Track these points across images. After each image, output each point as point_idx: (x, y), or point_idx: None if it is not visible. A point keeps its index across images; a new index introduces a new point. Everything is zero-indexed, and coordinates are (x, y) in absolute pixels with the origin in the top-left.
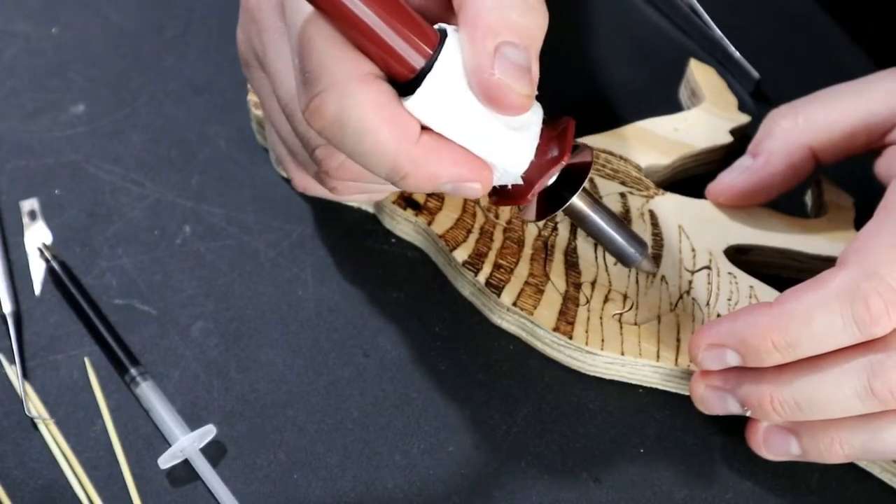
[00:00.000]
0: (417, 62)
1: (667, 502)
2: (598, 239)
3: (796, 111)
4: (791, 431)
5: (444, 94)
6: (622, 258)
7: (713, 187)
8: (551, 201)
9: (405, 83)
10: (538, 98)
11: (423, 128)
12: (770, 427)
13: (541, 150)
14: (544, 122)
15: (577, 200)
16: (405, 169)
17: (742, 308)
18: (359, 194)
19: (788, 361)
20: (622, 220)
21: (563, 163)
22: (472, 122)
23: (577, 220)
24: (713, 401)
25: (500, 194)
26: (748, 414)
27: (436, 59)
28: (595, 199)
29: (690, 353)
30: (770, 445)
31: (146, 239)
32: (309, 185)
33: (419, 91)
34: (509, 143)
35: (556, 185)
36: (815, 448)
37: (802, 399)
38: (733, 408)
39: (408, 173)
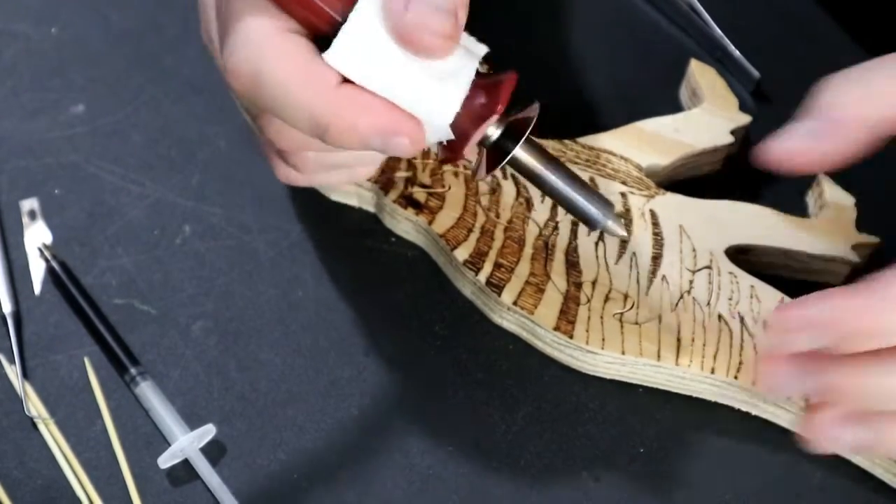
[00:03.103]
0: (335, 13)
1: (667, 502)
2: (558, 200)
3: (865, 80)
4: (862, 421)
5: (361, 43)
6: (586, 221)
7: (772, 152)
8: (498, 157)
9: (323, 38)
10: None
11: (346, 82)
12: (837, 415)
13: (473, 102)
14: (484, 76)
15: (522, 154)
16: (325, 120)
17: (833, 290)
18: (328, 172)
19: (880, 348)
20: (584, 181)
21: (496, 115)
22: (390, 71)
23: (531, 179)
24: (786, 382)
25: (444, 151)
26: (815, 400)
27: (352, 9)
28: (550, 156)
29: (772, 328)
30: (834, 435)
31: (146, 239)
32: (289, 174)
33: (336, 42)
34: (432, 93)
35: (501, 141)
36: (884, 439)
37: (887, 388)
38: (806, 389)
39: (328, 125)
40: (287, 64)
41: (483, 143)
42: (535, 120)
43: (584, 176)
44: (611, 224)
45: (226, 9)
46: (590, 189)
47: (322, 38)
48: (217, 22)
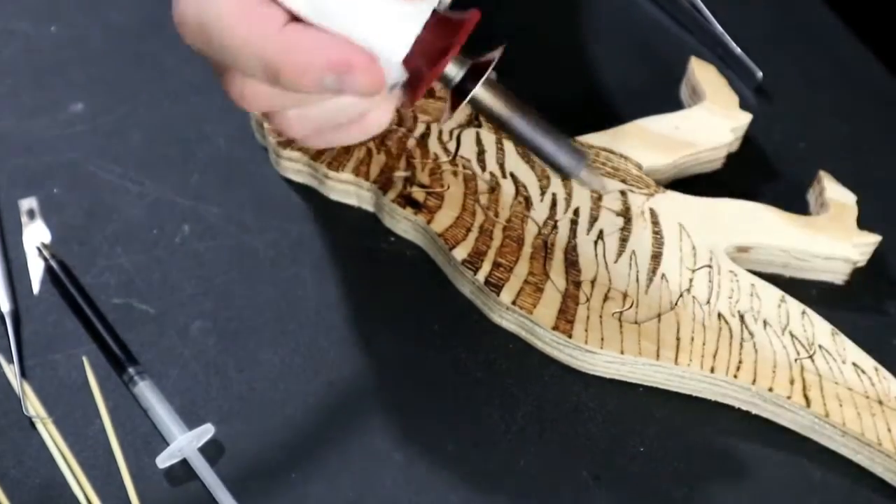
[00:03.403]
0: None
1: (667, 502)
2: (526, 145)
3: None
4: None
5: None
6: (557, 169)
7: None
8: (461, 99)
9: None
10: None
11: (294, 20)
12: None
13: (428, 39)
14: (444, 14)
15: (482, 94)
16: (275, 60)
17: None
18: (321, 135)
19: None
20: (555, 128)
21: (451, 54)
22: (339, 4)
23: (498, 123)
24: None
25: (405, 95)
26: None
27: None
28: (517, 100)
29: None
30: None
31: (145, 238)
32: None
33: None
34: (384, 27)
35: (463, 83)
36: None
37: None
38: None
39: (280, 65)
40: (232, 8)
41: (447, 85)
42: (496, 61)
43: None
44: (584, 174)
45: None
46: (562, 136)
47: None
48: None
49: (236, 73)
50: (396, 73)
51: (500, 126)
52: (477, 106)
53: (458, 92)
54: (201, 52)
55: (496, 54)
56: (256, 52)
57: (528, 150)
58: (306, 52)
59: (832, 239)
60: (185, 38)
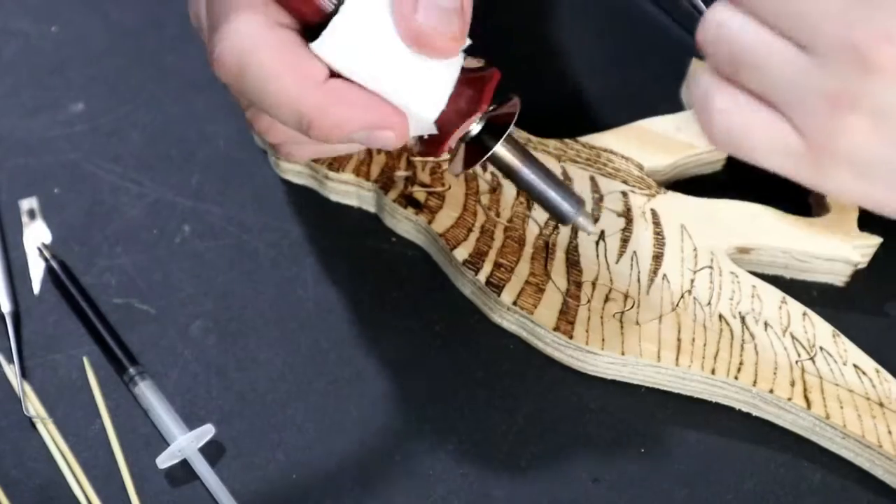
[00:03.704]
0: (325, 4)
1: (667, 502)
2: (531, 195)
3: None
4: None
5: (352, 35)
6: (558, 216)
7: None
8: (477, 152)
9: (314, 28)
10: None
11: (333, 75)
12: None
13: (459, 98)
14: (469, 71)
15: (501, 150)
16: (310, 115)
17: None
18: (318, 157)
19: None
20: (557, 176)
21: (480, 112)
22: (379, 63)
23: (507, 174)
24: None
25: (423, 145)
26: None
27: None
28: (527, 153)
29: None
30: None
31: (145, 238)
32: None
33: (325, 32)
34: (420, 87)
35: (481, 136)
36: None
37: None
38: None
39: (312, 120)
40: (274, 58)
41: (462, 137)
42: (515, 117)
43: (585, 175)
44: (581, 220)
45: None
46: (563, 184)
47: (310, 29)
48: (206, 8)
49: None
50: (423, 128)
51: (508, 174)
52: (492, 159)
53: (474, 143)
54: (235, 91)
55: (514, 108)
56: (293, 104)
57: (531, 197)
58: (342, 111)
59: (833, 240)
60: (221, 77)
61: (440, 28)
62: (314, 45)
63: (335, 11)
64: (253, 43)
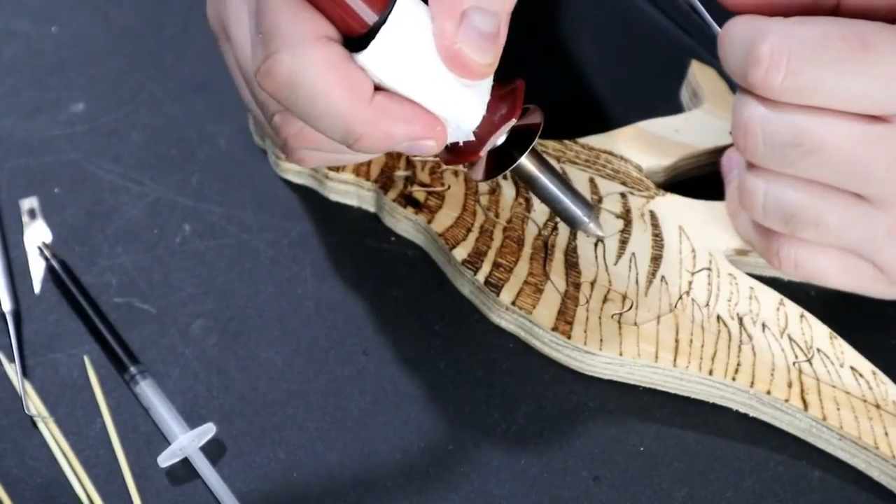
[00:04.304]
0: (370, 17)
1: (667, 502)
2: (546, 201)
3: None
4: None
5: (397, 49)
6: (570, 221)
7: None
8: (500, 161)
9: (358, 40)
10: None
11: (377, 88)
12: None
13: (492, 107)
14: (495, 80)
15: (525, 161)
16: (359, 130)
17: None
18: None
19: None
20: (570, 183)
21: (514, 120)
22: (425, 78)
23: (526, 181)
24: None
25: (452, 152)
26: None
27: (389, 12)
28: (544, 160)
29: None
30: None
31: (146, 237)
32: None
33: (372, 44)
34: (462, 99)
35: (506, 146)
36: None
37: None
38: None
39: (362, 135)
40: (325, 75)
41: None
42: (540, 129)
43: (584, 176)
44: (592, 225)
45: (260, 6)
46: (575, 191)
47: (353, 41)
48: (251, 20)
49: (297, 120)
50: (460, 136)
51: (528, 183)
52: (515, 169)
53: (497, 152)
54: (279, 102)
55: (538, 119)
56: (342, 119)
57: (545, 202)
58: (391, 125)
59: None
60: (266, 88)
61: (478, 51)
62: (361, 56)
63: (381, 23)
64: (306, 59)
